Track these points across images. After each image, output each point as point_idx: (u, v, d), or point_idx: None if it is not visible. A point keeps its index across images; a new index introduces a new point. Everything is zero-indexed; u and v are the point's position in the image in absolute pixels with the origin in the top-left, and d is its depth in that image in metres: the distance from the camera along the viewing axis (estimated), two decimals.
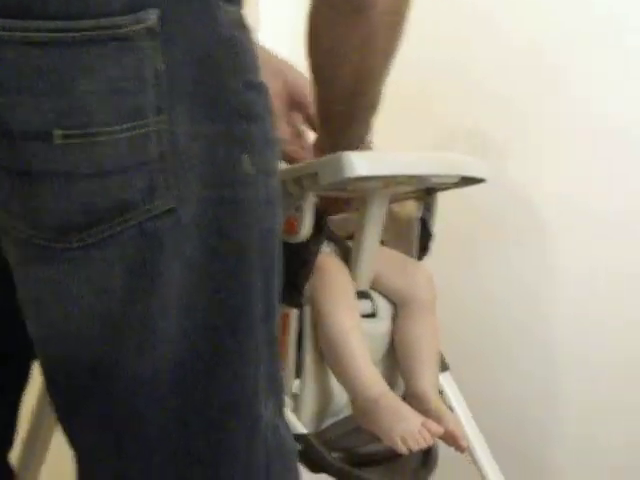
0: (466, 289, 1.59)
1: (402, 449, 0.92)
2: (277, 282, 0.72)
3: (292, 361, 1.00)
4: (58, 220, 0.60)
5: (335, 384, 1.02)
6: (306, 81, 1.02)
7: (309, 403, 1.00)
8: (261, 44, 0.86)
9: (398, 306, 1.11)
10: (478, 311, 1.59)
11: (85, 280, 0.62)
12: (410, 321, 1.10)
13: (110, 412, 0.66)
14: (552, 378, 1.51)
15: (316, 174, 0.91)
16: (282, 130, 1.25)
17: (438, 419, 1.00)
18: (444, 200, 1.17)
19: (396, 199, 1.17)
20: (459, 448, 1.01)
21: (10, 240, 0.63)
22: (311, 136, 1.12)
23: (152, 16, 0.59)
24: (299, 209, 0.95)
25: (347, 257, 1.08)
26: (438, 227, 1.17)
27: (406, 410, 0.96)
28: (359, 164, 0.89)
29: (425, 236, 1.17)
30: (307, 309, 1.00)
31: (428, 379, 1.08)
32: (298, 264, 0.96)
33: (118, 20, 0.58)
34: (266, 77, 0.70)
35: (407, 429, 0.93)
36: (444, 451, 1.06)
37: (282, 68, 1.10)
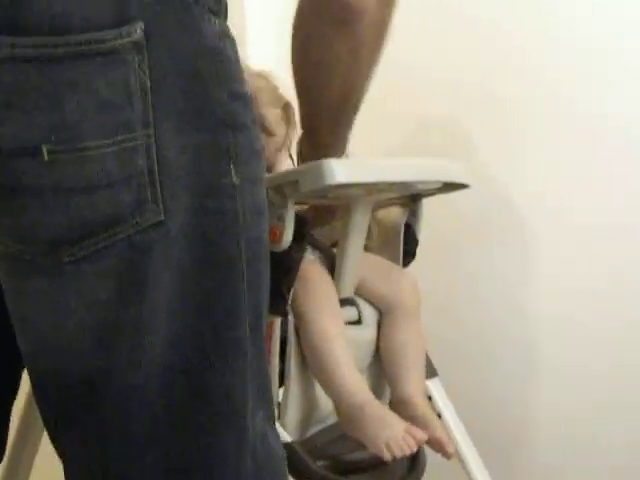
0: (452, 292, 1.59)
1: (386, 456, 0.92)
2: (265, 291, 0.73)
3: (276, 369, 1.00)
4: (48, 235, 0.60)
5: (320, 391, 1.02)
6: None
7: (293, 411, 1.00)
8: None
9: (383, 312, 1.11)
10: (464, 314, 1.59)
11: (75, 293, 0.62)
12: (395, 327, 1.10)
13: (101, 421, 0.66)
14: (534, 379, 1.52)
15: (297, 182, 0.91)
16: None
17: (424, 425, 1.00)
18: (428, 205, 1.17)
19: (381, 205, 1.18)
20: (445, 454, 1.01)
21: None
22: None
23: (137, 30, 0.59)
24: (281, 218, 0.95)
25: (332, 264, 1.09)
26: (423, 232, 1.18)
27: (390, 417, 0.96)
28: (339, 171, 0.89)
29: (411, 242, 1.17)
30: (291, 317, 1.00)
31: (414, 385, 1.08)
32: (281, 272, 0.96)
33: (104, 34, 0.58)
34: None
35: (391, 436, 0.93)
36: (433, 457, 1.06)
37: None
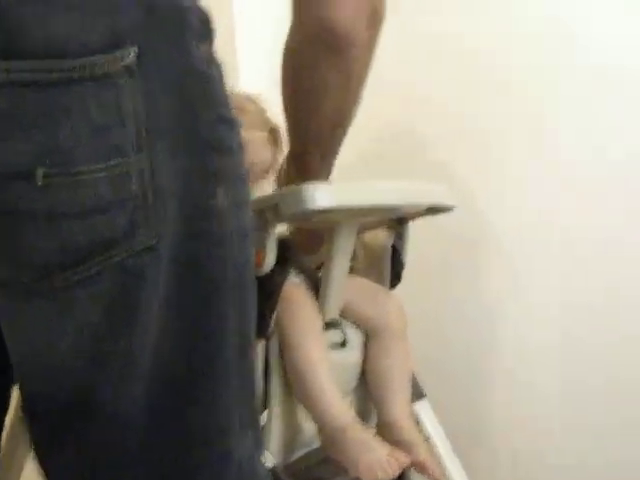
0: (440, 313, 1.59)
1: None
2: (253, 314, 0.73)
3: (259, 392, 1.00)
4: (42, 260, 0.60)
5: (304, 415, 1.02)
6: None
7: (277, 434, 1.00)
8: None
9: (369, 335, 1.11)
10: (452, 334, 1.59)
11: (68, 316, 0.62)
12: (381, 350, 1.10)
13: (88, 440, 0.66)
14: (524, 402, 1.51)
15: (277, 206, 0.92)
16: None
17: (408, 449, 1.00)
18: (415, 227, 1.17)
19: (367, 228, 1.18)
20: (431, 478, 1.01)
21: None
22: None
23: (130, 54, 0.60)
24: (263, 242, 0.95)
25: (317, 287, 1.09)
26: (410, 254, 1.18)
27: (373, 440, 0.96)
28: (320, 196, 0.89)
29: (397, 265, 1.18)
30: (274, 340, 1.00)
31: (400, 408, 1.08)
32: (263, 296, 0.96)
33: (97, 59, 0.59)
34: None
35: (374, 459, 0.93)
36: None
37: None
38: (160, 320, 0.65)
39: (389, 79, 1.33)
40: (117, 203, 0.60)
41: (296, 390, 1.00)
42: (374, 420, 1.11)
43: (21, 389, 0.68)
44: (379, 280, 1.17)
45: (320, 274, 1.09)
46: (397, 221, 1.16)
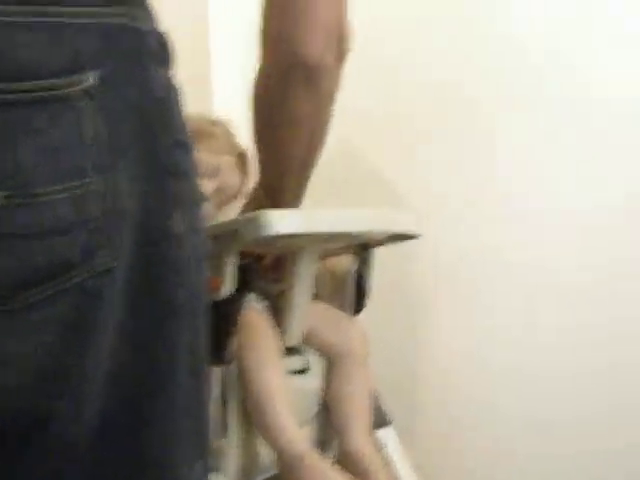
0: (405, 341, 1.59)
1: None
2: (205, 340, 0.73)
3: (216, 419, 0.99)
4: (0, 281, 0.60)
5: (262, 441, 1.01)
6: None
7: (234, 461, 0.99)
8: None
9: (331, 362, 1.11)
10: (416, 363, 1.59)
11: (24, 337, 0.62)
12: (342, 377, 1.09)
13: (35, 460, 0.65)
14: (490, 429, 1.51)
15: (237, 232, 0.92)
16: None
17: (367, 477, 0.99)
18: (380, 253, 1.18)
19: (332, 254, 1.18)
20: None
21: None
22: None
23: (90, 77, 0.60)
24: (221, 267, 0.95)
25: (281, 313, 1.08)
26: (377, 280, 1.18)
27: (329, 469, 0.95)
28: (278, 222, 0.89)
29: (361, 291, 1.18)
30: (232, 366, 1.00)
31: (361, 436, 1.07)
32: (221, 321, 0.96)
33: (57, 82, 0.59)
34: None
35: None
36: None
37: None
38: (114, 341, 0.65)
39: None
40: (77, 224, 0.60)
41: (253, 416, 0.99)
42: (336, 448, 1.11)
43: None
44: (343, 306, 1.17)
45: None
46: (362, 247, 1.16)
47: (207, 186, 1.23)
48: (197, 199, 0.71)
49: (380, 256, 1.17)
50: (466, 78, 1.49)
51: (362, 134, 1.59)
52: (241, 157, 1.29)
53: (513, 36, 1.44)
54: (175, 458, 0.69)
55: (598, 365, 1.37)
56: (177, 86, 0.70)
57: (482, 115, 1.48)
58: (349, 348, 1.11)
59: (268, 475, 1.04)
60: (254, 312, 1.05)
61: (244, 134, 1.27)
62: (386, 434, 1.23)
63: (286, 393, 1.00)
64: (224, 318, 0.97)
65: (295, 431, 0.97)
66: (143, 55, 0.65)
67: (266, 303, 1.11)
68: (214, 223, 1.06)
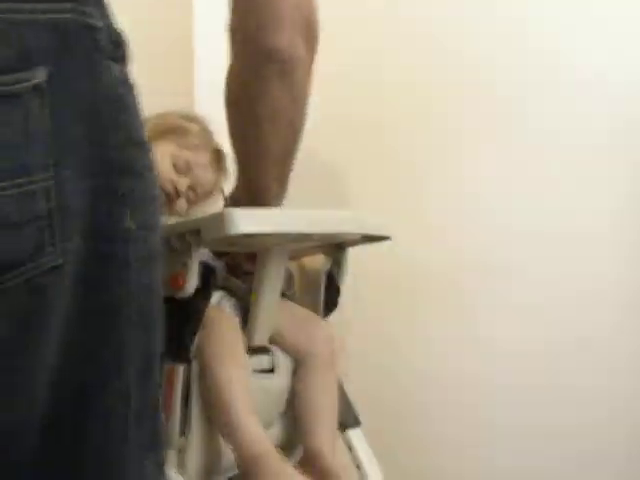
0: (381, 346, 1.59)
1: None
2: (159, 338, 0.72)
3: (178, 417, 0.99)
4: None
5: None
6: None
7: (195, 460, 0.99)
8: None
9: (297, 362, 1.10)
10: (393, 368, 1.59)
11: None
12: (308, 378, 1.09)
13: None
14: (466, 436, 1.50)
15: (199, 231, 0.92)
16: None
17: (328, 478, 0.99)
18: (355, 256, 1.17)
19: (304, 254, 1.18)
20: None
21: None
22: None
23: (39, 74, 0.60)
24: (185, 265, 0.95)
25: (248, 312, 1.08)
26: (355, 281, 1.18)
27: (288, 469, 0.95)
28: (241, 221, 0.89)
29: (333, 291, 1.17)
30: (195, 364, 0.99)
31: (324, 437, 1.07)
32: (183, 319, 0.96)
33: (4, 78, 0.58)
34: None
35: None
36: None
37: None
38: (61, 338, 0.64)
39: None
40: (23, 222, 0.60)
41: (212, 413, 0.99)
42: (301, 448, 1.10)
43: None
44: (314, 305, 1.16)
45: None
46: (335, 247, 1.16)
47: (180, 182, 1.23)
48: (152, 197, 0.70)
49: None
50: (450, 78, 1.49)
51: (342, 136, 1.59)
52: (217, 154, 1.29)
53: (506, 36, 1.44)
54: (124, 455, 0.69)
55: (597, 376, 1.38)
56: (133, 83, 0.70)
57: (467, 117, 1.48)
58: (315, 349, 1.11)
59: (231, 474, 1.04)
60: (219, 309, 1.05)
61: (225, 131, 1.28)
62: (354, 435, 1.23)
63: (251, 392, 0.99)
64: (188, 316, 0.97)
65: (255, 430, 0.97)
66: (95, 51, 0.64)
67: (234, 302, 1.10)
68: (180, 221, 1.06)
